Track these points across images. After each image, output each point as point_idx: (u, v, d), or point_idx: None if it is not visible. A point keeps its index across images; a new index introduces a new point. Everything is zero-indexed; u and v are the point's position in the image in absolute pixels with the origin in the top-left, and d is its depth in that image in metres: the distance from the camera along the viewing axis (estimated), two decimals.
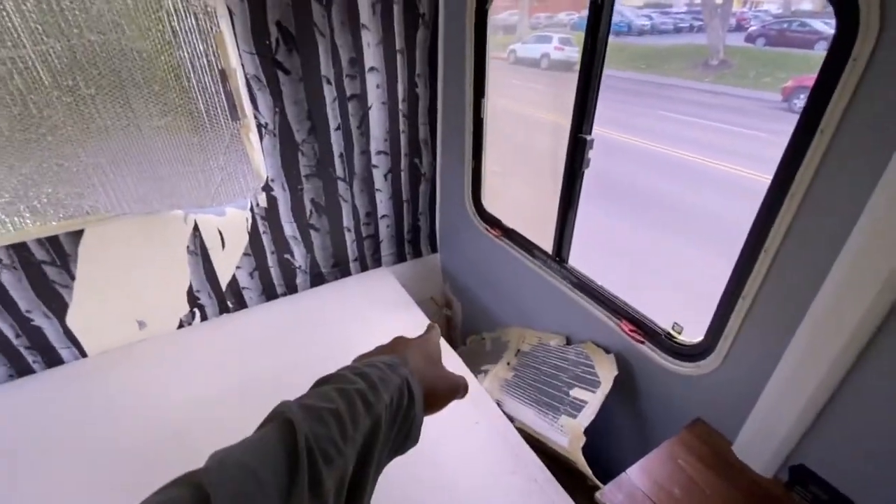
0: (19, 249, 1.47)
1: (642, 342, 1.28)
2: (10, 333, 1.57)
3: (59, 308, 1.62)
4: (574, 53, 9.22)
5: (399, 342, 0.54)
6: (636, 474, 1.04)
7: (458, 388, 0.52)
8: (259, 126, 1.63)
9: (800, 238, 0.88)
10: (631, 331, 1.31)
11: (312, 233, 2.00)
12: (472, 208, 1.97)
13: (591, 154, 1.38)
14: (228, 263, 1.87)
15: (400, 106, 1.88)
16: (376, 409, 0.40)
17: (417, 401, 0.45)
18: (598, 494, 1.01)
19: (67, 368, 1.69)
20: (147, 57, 1.29)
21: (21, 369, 1.65)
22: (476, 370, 1.81)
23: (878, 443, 0.84)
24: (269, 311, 1.96)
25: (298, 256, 2.03)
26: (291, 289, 2.08)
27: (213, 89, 1.44)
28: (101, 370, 1.67)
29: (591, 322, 1.46)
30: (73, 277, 1.59)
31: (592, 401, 1.31)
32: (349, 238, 2.12)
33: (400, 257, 2.34)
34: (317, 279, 2.13)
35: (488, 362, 1.83)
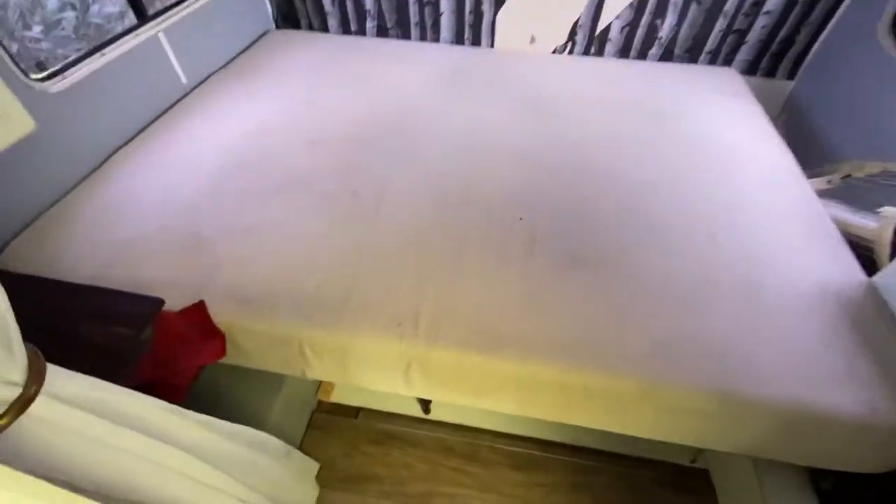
0: None
1: None
2: (468, 9, 2.32)
3: (499, 2, 2.27)
4: None
5: None
6: None
7: None
8: None
9: None
10: None
11: (693, 5, 2.13)
12: (891, 19, 1.76)
13: None
14: (613, 10, 2.21)
15: None
16: None
17: None
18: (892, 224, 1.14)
19: (483, 51, 2.43)
20: None
21: (458, 40, 2.47)
22: None
23: None
24: (624, 68, 2.28)
25: (665, 26, 2.23)
26: (642, 55, 2.35)
27: None
28: (501, 59, 2.35)
29: None
30: None
31: None
32: (719, 25, 2.18)
33: (752, 69, 2.31)
34: (666, 55, 2.33)
35: None
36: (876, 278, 1.26)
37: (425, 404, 1.66)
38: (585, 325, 1.15)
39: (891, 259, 1.31)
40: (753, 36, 2.20)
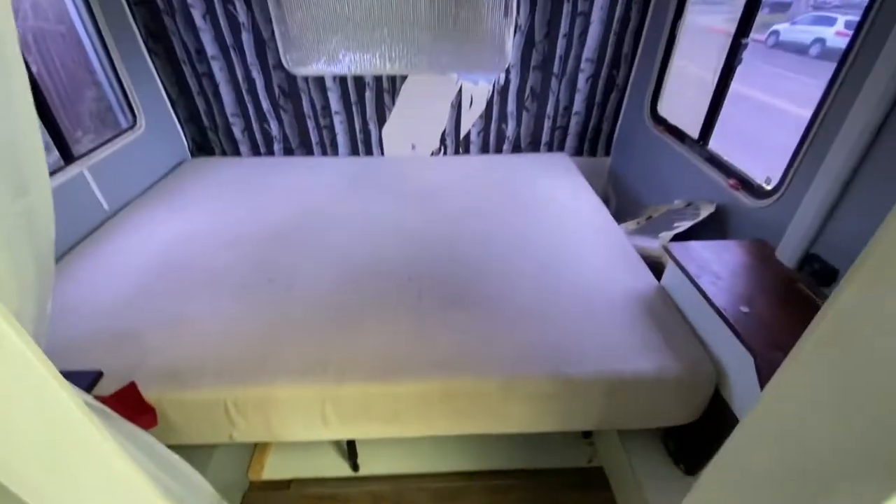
0: (378, 80, 2.72)
1: (738, 189, 1.80)
2: (358, 129, 2.90)
3: (382, 122, 2.89)
4: None
5: None
6: (697, 244, 1.65)
7: None
8: (516, 26, 2.53)
9: (834, 112, 1.37)
10: (733, 184, 1.83)
11: (524, 113, 2.88)
12: (649, 110, 2.56)
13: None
14: (468, 121, 2.90)
15: (614, 24, 2.55)
16: None
17: None
18: (663, 244, 1.67)
19: (375, 159, 2.98)
20: None
21: (354, 153, 3.01)
22: None
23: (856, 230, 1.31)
24: (484, 160, 2.94)
25: (510, 129, 2.95)
26: (498, 151, 3.04)
27: None
28: (390, 164, 2.91)
29: (710, 185, 1.99)
30: (394, 104, 2.82)
31: (687, 223, 1.90)
32: (546, 124, 2.94)
33: (578, 152, 3.07)
34: (515, 149, 3.04)
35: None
36: (662, 281, 1.76)
37: (353, 460, 1.81)
38: (460, 347, 1.48)
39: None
40: (572, 129, 2.97)
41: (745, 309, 1.36)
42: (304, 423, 1.41)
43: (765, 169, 1.84)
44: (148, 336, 1.50)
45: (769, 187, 1.71)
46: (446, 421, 1.45)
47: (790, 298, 1.42)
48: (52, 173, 1.97)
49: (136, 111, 2.49)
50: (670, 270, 1.68)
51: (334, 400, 1.37)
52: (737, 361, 1.33)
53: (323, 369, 1.39)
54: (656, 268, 1.92)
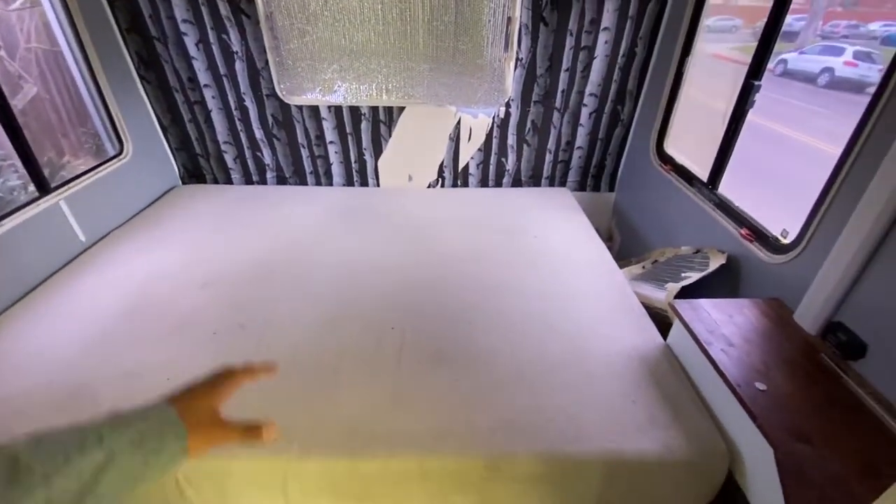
0: (374, 110, 2.64)
1: (752, 241, 1.66)
2: (353, 159, 2.81)
3: (377, 152, 2.80)
4: (870, 72, 7.86)
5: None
6: (706, 303, 1.51)
7: (235, 428, 0.50)
8: (517, 59, 2.45)
9: (867, 156, 1.24)
10: (746, 234, 1.69)
11: (525, 146, 2.78)
12: (654, 148, 2.44)
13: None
14: (467, 153, 2.80)
15: (618, 60, 2.46)
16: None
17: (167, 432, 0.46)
18: (670, 300, 1.52)
19: (370, 190, 2.88)
20: (476, 6, 2.21)
21: (349, 183, 2.92)
22: None
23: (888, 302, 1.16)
24: (482, 194, 2.83)
25: (510, 162, 2.84)
26: (497, 184, 2.93)
27: (499, 29, 2.30)
28: (385, 196, 2.80)
29: (720, 233, 1.85)
30: (390, 135, 2.73)
31: (695, 275, 1.75)
32: (548, 158, 2.83)
33: (581, 187, 2.95)
34: (516, 182, 2.93)
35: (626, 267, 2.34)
36: (668, 340, 1.61)
37: None
38: (443, 415, 1.34)
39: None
40: (575, 164, 2.86)
41: (761, 386, 1.21)
42: (263, 499, 1.26)
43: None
44: (100, 395, 1.37)
45: (787, 241, 1.57)
46: (423, 502, 1.29)
47: (811, 372, 1.27)
48: (25, 205, 1.88)
49: (123, 139, 2.41)
50: (677, 331, 1.53)
51: (298, 476, 1.22)
52: (753, 446, 1.17)
53: (287, 440, 1.25)
54: (660, 319, 1.77)
